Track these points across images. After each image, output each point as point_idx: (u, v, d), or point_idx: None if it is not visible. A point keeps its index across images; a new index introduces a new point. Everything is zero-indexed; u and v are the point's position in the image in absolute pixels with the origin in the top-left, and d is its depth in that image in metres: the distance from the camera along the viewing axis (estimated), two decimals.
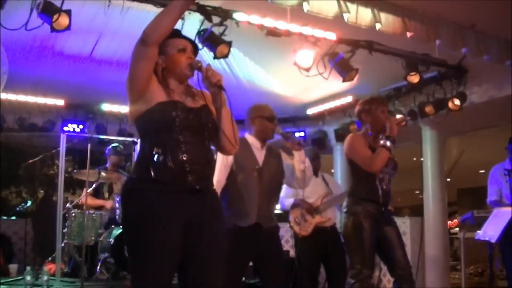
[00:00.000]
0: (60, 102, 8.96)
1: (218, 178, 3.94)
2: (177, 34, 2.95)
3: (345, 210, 4.46)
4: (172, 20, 2.68)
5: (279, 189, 4.45)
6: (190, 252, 2.68)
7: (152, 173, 2.65)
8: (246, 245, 3.98)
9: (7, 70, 4.59)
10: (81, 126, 9.08)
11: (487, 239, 5.06)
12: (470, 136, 10.42)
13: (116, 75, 8.00)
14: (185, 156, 2.68)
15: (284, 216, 6.07)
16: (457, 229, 14.35)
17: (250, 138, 4.26)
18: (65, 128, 8.93)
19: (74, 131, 8.88)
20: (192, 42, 2.97)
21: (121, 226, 6.56)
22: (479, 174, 15.60)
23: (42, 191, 11.25)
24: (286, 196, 6.01)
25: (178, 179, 2.67)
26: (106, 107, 9.32)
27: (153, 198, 2.65)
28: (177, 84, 2.86)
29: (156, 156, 2.67)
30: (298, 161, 4.24)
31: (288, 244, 8.95)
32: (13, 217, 9.74)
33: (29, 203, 10.85)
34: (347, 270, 6.05)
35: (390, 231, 4.36)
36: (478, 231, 5.18)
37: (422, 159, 9.20)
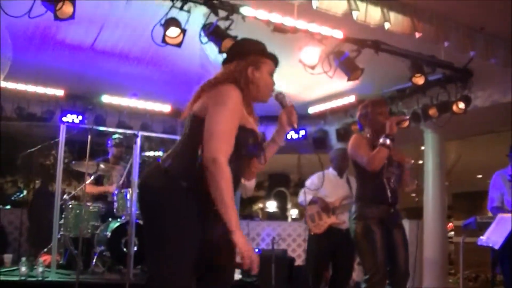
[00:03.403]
0: (60, 92, 8.87)
1: None
2: (272, 56, 2.81)
3: (354, 215, 4.45)
4: None
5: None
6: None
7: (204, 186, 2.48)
8: None
9: (11, 56, 4.50)
10: (80, 117, 8.94)
11: (490, 245, 5.02)
12: (468, 140, 10.38)
13: (117, 66, 7.94)
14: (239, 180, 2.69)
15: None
16: (452, 233, 14.31)
17: None
18: (64, 119, 8.81)
19: (73, 122, 8.77)
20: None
21: (118, 220, 6.51)
22: (476, 179, 15.59)
23: (37, 181, 11.14)
24: (306, 192, 6.00)
25: None
26: (106, 98, 9.21)
27: (192, 208, 2.53)
28: (249, 103, 2.72)
29: None
30: None
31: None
32: (8, 206, 9.61)
33: (24, 192, 10.74)
34: (352, 273, 6.11)
35: (397, 234, 4.36)
36: (481, 237, 5.13)
37: (421, 162, 9.15)
